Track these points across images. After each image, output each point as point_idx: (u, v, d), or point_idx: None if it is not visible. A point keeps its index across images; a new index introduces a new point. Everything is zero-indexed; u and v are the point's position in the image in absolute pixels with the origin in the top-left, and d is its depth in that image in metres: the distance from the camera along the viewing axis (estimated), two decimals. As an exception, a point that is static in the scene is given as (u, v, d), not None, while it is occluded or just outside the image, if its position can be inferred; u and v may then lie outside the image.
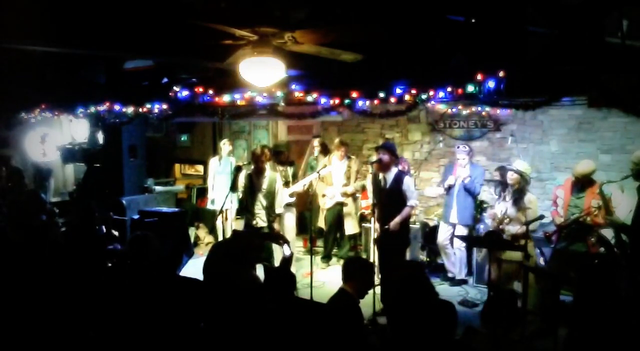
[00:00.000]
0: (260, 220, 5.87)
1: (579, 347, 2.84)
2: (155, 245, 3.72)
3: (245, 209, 5.94)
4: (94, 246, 4.58)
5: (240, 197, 6.03)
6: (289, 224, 6.60)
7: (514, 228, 5.11)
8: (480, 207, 6.68)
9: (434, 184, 7.85)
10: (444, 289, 6.17)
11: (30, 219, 5.27)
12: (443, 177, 6.60)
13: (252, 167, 5.94)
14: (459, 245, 6.22)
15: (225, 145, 7.76)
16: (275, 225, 5.93)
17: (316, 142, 7.50)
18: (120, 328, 3.12)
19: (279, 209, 5.94)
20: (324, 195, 7.00)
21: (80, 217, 5.02)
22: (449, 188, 6.32)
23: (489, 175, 7.12)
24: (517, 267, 5.14)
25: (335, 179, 6.93)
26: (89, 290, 3.45)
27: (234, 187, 5.69)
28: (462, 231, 6.18)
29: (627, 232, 4.74)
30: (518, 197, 5.14)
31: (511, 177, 5.19)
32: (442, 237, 6.43)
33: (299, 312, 3.24)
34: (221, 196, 7.38)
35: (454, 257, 6.38)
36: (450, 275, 6.44)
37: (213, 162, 7.78)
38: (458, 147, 6.40)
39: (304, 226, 6.85)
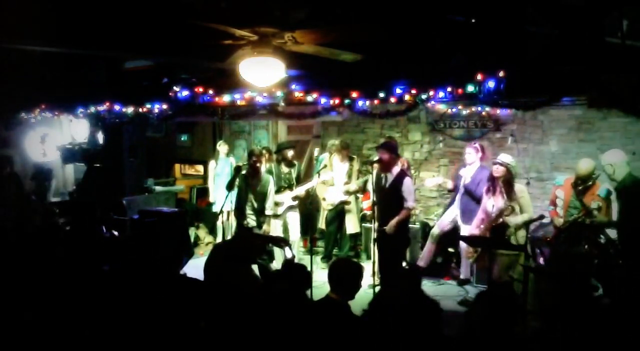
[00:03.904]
0: (251, 220, 5.87)
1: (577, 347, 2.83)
2: (152, 248, 3.72)
3: (237, 209, 5.94)
4: (94, 245, 4.58)
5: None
6: (293, 226, 6.60)
7: (514, 219, 5.07)
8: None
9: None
10: (445, 289, 6.17)
11: (25, 221, 5.28)
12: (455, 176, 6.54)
13: (248, 167, 5.92)
14: (466, 245, 6.18)
15: (221, 147, 7.75)
16: (265, 226, 5.93)
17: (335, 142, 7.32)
18: (120, 328, 3.12)
19: (269, 211, 5.95)
20: (324, 199, 6.99)
21: (82, 217, 5.03)
22: (455, 188, 6.28)
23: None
24: (512, 259, 5.12)
25: (337, 179, 6.92)
26: (87, 289, 3.45)
27: (230, 186, 5.69)
28: (469, 231, 6.13)
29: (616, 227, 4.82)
30: (507, 189, 5.10)
31: (496, 169, 5.14)
32: (438, 227, 6.37)
33: (302, 314, 3.23)
34: (221, 197, 7.39)
35: (431, 250, 6.35)
36: (420, 263, 6.34)
37: (211, 164, 7.79)
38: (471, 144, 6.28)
39: (305, 226, 6.85)
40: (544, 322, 4.78)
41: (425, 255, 6.44)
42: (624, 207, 4.81)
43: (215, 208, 7.59)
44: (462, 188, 6.12)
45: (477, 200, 6.08)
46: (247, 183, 5.88)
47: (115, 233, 5.41)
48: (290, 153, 6.54)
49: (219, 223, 7.19)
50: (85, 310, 3.25)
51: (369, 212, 7.06)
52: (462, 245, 6.23)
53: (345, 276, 3.22)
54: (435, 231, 6.41)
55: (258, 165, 5.86)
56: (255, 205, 5.87)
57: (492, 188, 5.28)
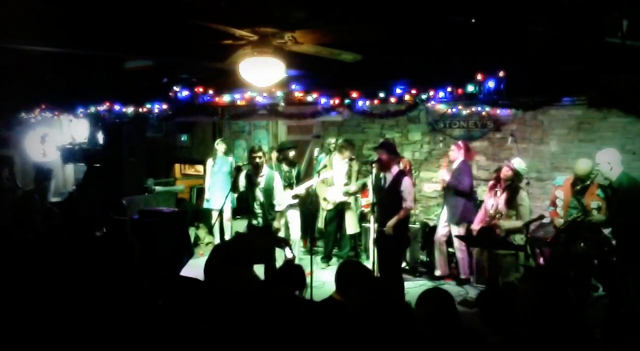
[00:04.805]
0: (261, 219, 5.85)
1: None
2: (138, 249, 3.71)
3: (246, 209, 5.92)
4: (82, 246, 4.52)
5: (236, 196, 6.02)
6: (294, 224, 6.59)
7: (507, 223, 5.13)
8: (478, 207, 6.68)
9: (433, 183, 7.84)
10: (446, 289, 6.14)
11: (25, 220, 5.28)
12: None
13: (250, 165, 5.92)
14: (459, 245, 6.20)
15: (219, 145, 7.75)
16: (275, 223, 5.90)
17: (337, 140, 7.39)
18: (119, 328, 3.11)
19: (278, 207, 5.92)
20: (325, 199, 6.98)
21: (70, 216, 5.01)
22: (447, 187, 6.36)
23: (489, 174, 7.12)
24: (513, 260, 5.16)
25: (337, 179, 6.92)
26: (82, 289, 3.44)
27: (234, 188, 5.68)
28: (457, 231, 6.15)
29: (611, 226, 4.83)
30: (510, 193, 5.14)
31: (505, 172, 5.19)
32: (438, 234, 6.44)
33: (300, 314, 3.22)
34: (215, 196, 7.39)
35: (443, 256, 6.39)
36: (437, 273, 6.43)
37: (208, 162, 7.80)
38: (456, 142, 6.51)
39: (305, 226, 6.85)
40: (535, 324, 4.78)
41: (439, 263, 6.45)
42: (619, 206, 4.81)
43: (210, 206, 7.58)
44: (447, 187, 6.26)
45: (461, 194, 6.11)
46: (252, 182, 5.87)
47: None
48: (292, 153, 6.57)
49: (215, 223, 7.20)
50: (83, 309, 3.25)
51: (367, 210, 7.07)
52: (456, 244, 6.24)
53: (352, 279, 3.19)
54: (436, 237, 6.45)
55: (258, 161, 5.84)
56: (263, 201, 5.84)
57: (495, 188, 5.32)
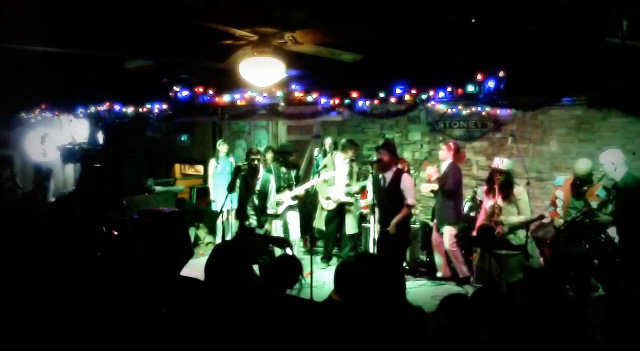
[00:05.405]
0: (253, 220, 5.86)
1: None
2: (141, 248, 3.71)
3: (240, 210, 5.93)
4: (76, 243, 4.52)
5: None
6: (293, 225, 6.60)
7: (510, 219, 5.13)
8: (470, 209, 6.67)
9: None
10: (445, 289, 6.14)
11: (26, 220, 5.28)
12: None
13: (247, 166, 5.92)
14: (450, 244, 6.17)
15: (221, 146, 7.77)
16: (266, 226, 5.91)
17: (329, 139, 7.51)
18: (119, 328, 3.12)
19: (270, 210, 5.93)
20: (328, 198, 6.97)
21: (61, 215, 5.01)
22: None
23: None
24: (519, 260, 5.15)
25: (338, 179, 6.92)
26: (80, 287, 3.44)
27: (231, 187, 5.68)
28: (449, 230, 6.11)
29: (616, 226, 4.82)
30: (506, 189, 5.15)
31: (498, 176, 5.21)
32: (434, 235, 6.43)
33: (296, 314, 3.21)
34: (221, 196, 7.40)
35: (443, 258, 6.35)
36: (439, 274, 6.42)
37: (211, 163, 7.81)
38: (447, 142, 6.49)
39: (304, 226, 6.85)
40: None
41: (440, 264, 6.42)
42: (624, 206, 4.81)
43: (215, 207, 7.60)
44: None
45: (448, 195, 6.09)
46: (247, 183, 5.88)
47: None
48: (291, 158, 6.59)
49: (218, 223, 7.20)
50: (82, 308, 3.25)
51: (365, 211, 7.07)
52: (447, 243, 6.21)
53: (351, 279, 3.18)
54: (433, 239, 6.44)
55: (256, 163, 5.84)
56: (257, 203, 5.85)
57: (490, 189, 5.32)
